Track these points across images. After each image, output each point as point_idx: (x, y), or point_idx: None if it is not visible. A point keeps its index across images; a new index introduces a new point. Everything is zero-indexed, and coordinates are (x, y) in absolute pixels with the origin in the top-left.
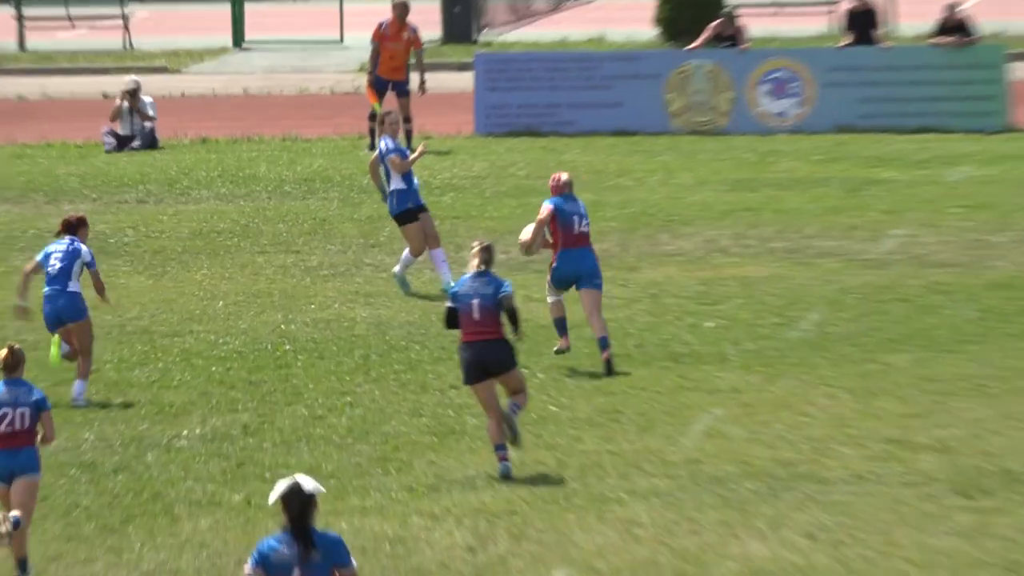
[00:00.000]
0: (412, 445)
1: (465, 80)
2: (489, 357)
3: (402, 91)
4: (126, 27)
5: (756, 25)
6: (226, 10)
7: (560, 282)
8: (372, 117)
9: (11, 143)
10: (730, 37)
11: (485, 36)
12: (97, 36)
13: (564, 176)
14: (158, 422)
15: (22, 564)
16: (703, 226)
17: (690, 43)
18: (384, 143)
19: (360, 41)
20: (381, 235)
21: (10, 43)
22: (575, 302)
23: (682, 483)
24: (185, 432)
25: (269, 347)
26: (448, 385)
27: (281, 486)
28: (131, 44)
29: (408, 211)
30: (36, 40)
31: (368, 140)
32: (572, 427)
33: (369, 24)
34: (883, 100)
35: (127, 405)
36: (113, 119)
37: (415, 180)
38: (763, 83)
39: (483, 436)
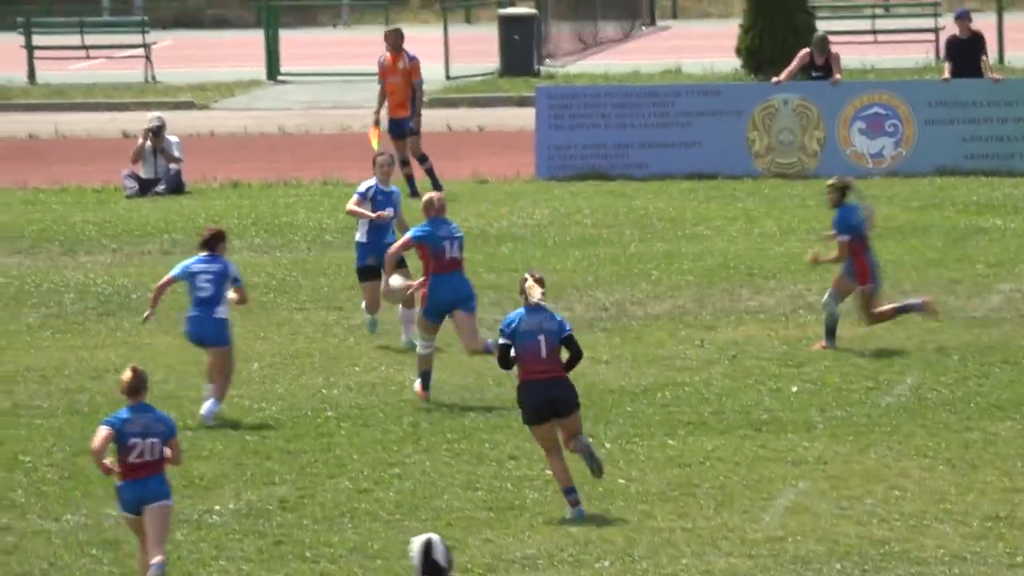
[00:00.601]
0: (467, 521)
1: (525, 117)
2: (558, 396)
3: (406, 131)
4: (148, 58)
5: (849, 54)
6: (259, 38)
7: (435, 310)
8: (403, 163)
9: (22, 187)
10: (820, 68)
11: (548, 67)
12: (115, 68)
13: (436, 196)
14: (188, 496)
15: None
16: (788, 280)
17: (775, 75)
18: (365, 184)
19: None
20: None
21: (19, 75)
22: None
23: (764, 563)
24: (217, 507)
25: (309, 413)
26: (507, 455)
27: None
28: (153, 76)
29: (368, 268)
30: (48, 72)
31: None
32: (643, 501)
33: (425, 54)
34: (990, 139)
35: None
36: (135, 160)
37: (390, 234)
38: (857, 120)
39: (544, 511)
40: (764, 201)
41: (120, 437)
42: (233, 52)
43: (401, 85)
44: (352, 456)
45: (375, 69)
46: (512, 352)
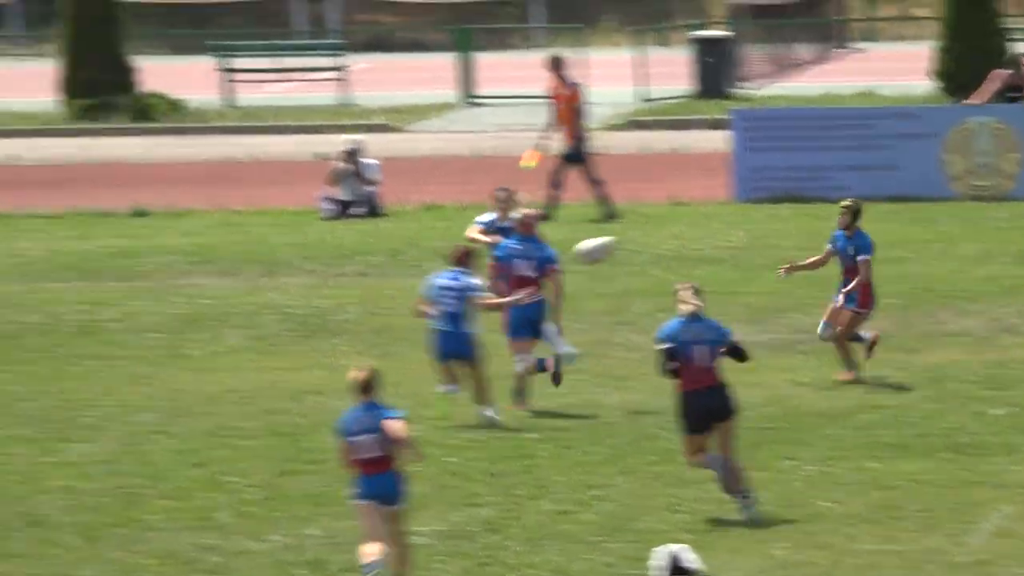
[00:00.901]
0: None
1: (718, 139)
2: (718, 404)
3: (568, 156)
4: (343, 80)
5: None
6: (453, 61)
7: (518, 328)
8: (596, 184)
9: (220, 209)
10: (1018, 88)
11: (741, 89)
12: (311, 91)
13: (526, 214)
14: None
15: None
16: (989, 303)
17: (971, 97)
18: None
19: (605, 96)
20: (631, 312)
21: (215, 99)
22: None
23: None
24: (423, 528)
25: (511, 436)
26: (708, 478)
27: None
28: (348, 99)
29: None
30: (244, 95)
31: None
32: (847, 525)
33: (617, 76)
34: None
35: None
36: (332, 183)
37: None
38: None
39: (749, 534)
40: (963, 224)
41: (345, 434)
42: (427, 75)
43: (564, 110)
44: (554, 478)
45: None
46: (673, 356)
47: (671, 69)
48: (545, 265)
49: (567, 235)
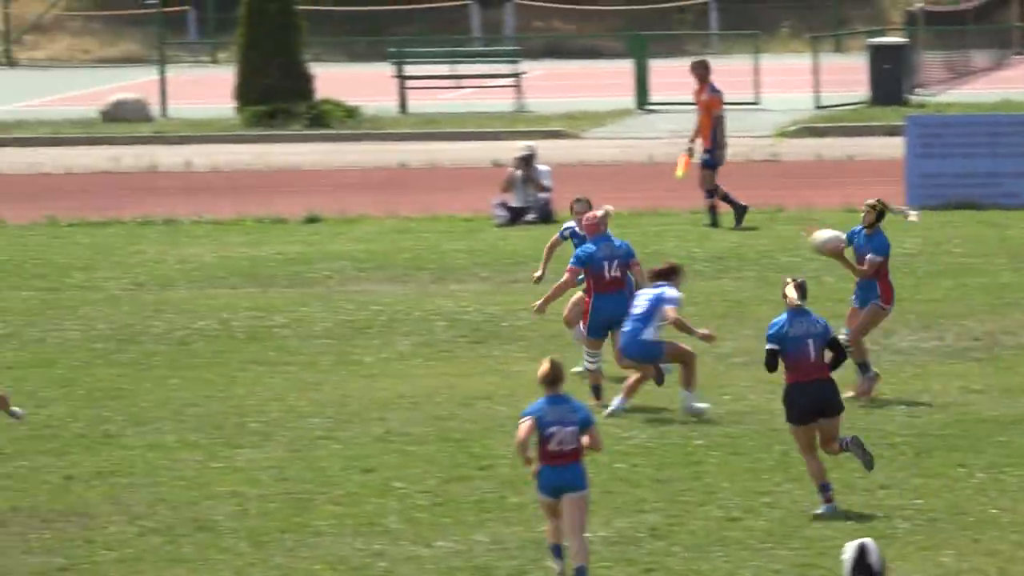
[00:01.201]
0: (838, 550)
1: (895, 146)
2: (826, 397)
3: (703, 162)
4: (518, 87)
5: None
6: (629, 68)
7: (597, 329)
8: (709, 194)
9: (393, 216)
10: None
11: (918, 96)
12: (486, 97)
13: (592, 215)
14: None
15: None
16: None
17: None
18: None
19: (781, 102)
20: None
21: (391, 105)
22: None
23: None
24: (587, 534)
25: (679, 442)
26: (877, 485)
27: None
28: (524, 106)
29: None
30: (419, 102)
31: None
32: (1015, 531)
33: (790, 83)
34: None
35: (523, 505)
36: (505, 190)
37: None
38: None
39: (914, 540)
40: None
41: (540, 426)
42: (602, 81)
43: (703, 116)
44: (722, 484)
45: (746, 98)
46: (777, 356)
47: (847, 76)
48: (628, 259)
49: (739, 239)
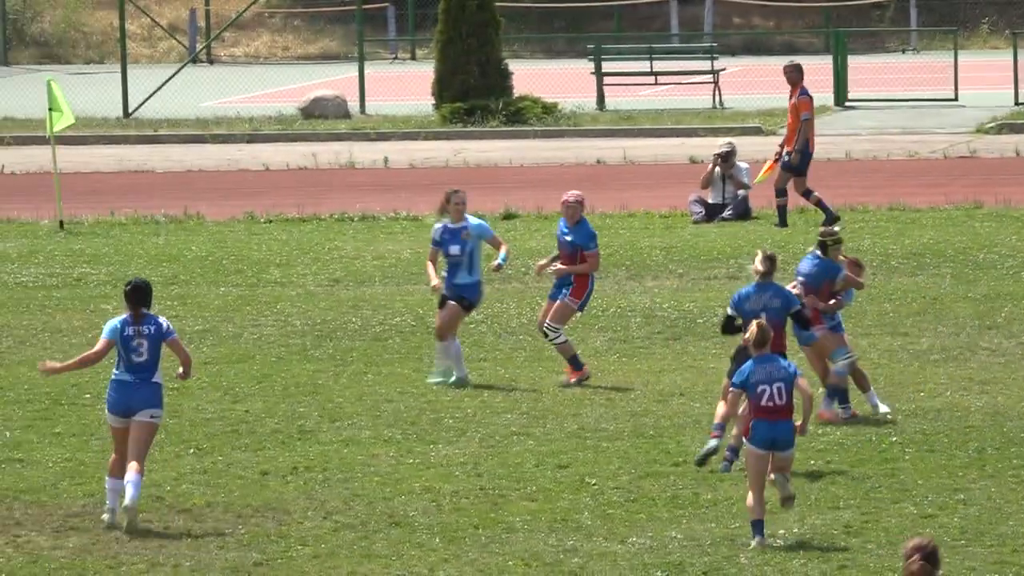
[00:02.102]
0: None
1: None
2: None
3: (782, 164)
4: (716, 84)
5: None
6: (828, 64)
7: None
8: (778, 193)
9: (589, 212)
10: None
11: None
12: (684, 94)
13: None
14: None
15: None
16: None
17: None
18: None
19: (980, 99)
20: (999, 316)
21: (589, 102)
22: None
23: None
24: (782, 531)
25: (873, 439)
26: None
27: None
28: (722, 103)
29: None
30: (617, 99)
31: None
32: None
33: (990, 80)
34: None
35: (716, 501)
36: (703, 186)
37: (462, 272)
38: None
39: None
40: None
41: (747, 387)
42: None
43: (792, 119)
44: (917, 481)
45: (945, 95)
46: (734, 322)
47: None
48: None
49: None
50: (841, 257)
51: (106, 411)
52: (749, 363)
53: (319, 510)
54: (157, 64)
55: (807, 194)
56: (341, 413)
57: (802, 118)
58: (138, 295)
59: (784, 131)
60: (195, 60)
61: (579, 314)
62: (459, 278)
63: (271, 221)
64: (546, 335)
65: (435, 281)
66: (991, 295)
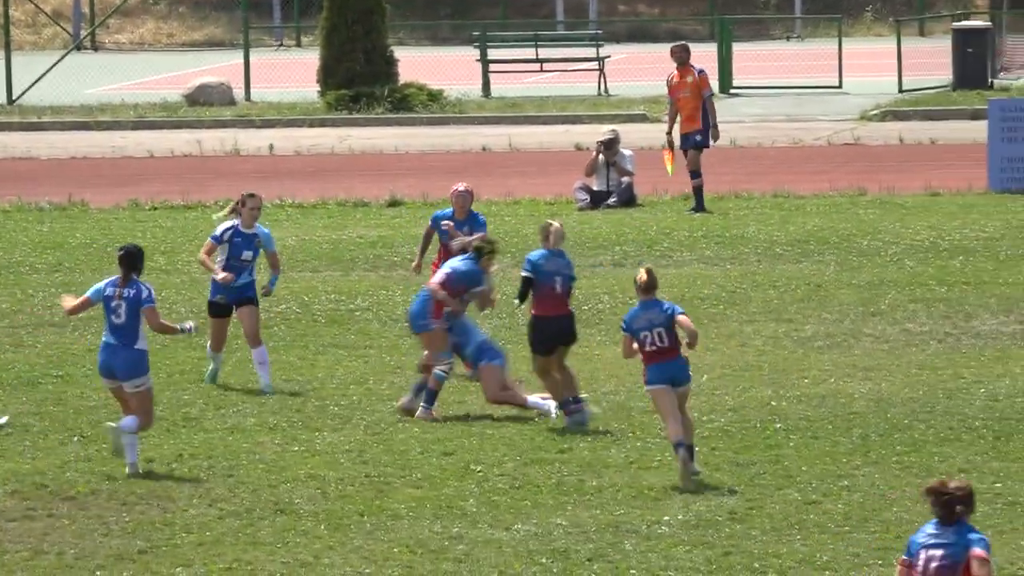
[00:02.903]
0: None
1: (978, 130)
2: (566, 328)
3: (694, 144)
4: (601, 71)
5: None
6: (712, 52)
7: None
8: (693, 175)
9: (475, 200)
10: None
11: (1002, 80)
12: (569, 81)
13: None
14: (636, 506)
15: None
16: None
17: None
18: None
19: (861, 86)
20: (883, 303)
21: (475, 89)
22: None
23: None
24: (666, 518)
25: (758, 425)
26: (956, 468)
27: None
28: (607, 90)
29: (217, 304)
30: (502, 86)
31: (693, 203)
32: None
33: (874, 67)
34: None
35: (602, 488)
36: (588, 174)
37: (246, 275)
38: None
39: (995, 524)
40: None
41: (633, 333)
42: None
43: (691, 99)
44: (801, 468)
45: (829, 82)
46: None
47: (931, 60)
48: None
49: None
50: (491, 269)
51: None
52: (635, 308)
53: (204, 498)
54: (41, 51)
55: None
56: (226, 401)
57: (706, 95)
58: (128, 260)
59: (667, 116)
60: (80, 47)
61: None
62: (242, 279)
63: (156, 208)
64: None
65: (224, 275)
66: (875, 282)
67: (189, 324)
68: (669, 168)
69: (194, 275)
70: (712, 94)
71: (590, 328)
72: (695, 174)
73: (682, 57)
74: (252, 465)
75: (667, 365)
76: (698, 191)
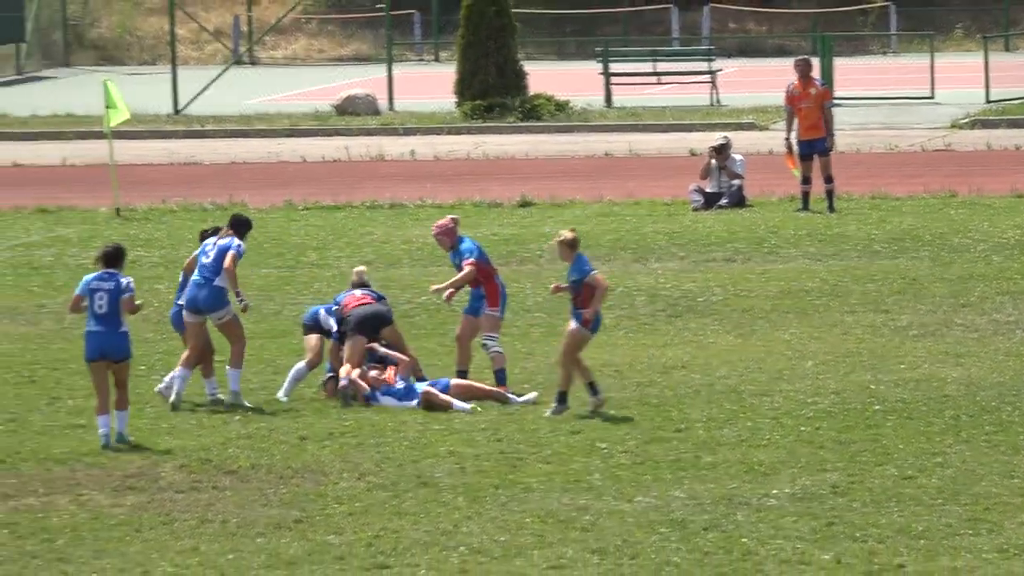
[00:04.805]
0: (1003, 507)
1: None
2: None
3: (821, 150)
4: (713, 83)
5: None
6: (815, 65)
7: None
8: (805, 180)
9: (598, 200)
10: None
11: None
12: (684, 92)
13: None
14: (748, 481)
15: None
16: None
17: None
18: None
19: (952, 97)
20: (972, 295)
21: (598, 100)
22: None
23: None
24: (775, 491)
25: (858, 407)
26: None
27: None
28: (719, 100)
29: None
30: (622, 97)
31: (800, 203)
32: None
33: (963, 79)
34: None
35: (716, 464)
36: (702, 177)
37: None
38: None
39: None
40: None
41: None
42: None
43: (814, 109)
44: (897, 446)
45: (922, 93)
46: None
47: (1016, 73)
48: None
49: None
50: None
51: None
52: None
53: (353, 472)
54: (204, 65)
55: (815, 180)
56: None
57: (827, 105)
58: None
59: (782, 123)
60: (239, 62)
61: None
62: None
63: (308, 208)
64: (485, 346)
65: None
66: (965, 276)
67: (248, 301)
68: (796, 172)
69: (342, 269)
70: (833, 104)
71: (704, 318)
72: (829, 179)
73: (804, 70)
74: (397, 442)
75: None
76: (830, 194)
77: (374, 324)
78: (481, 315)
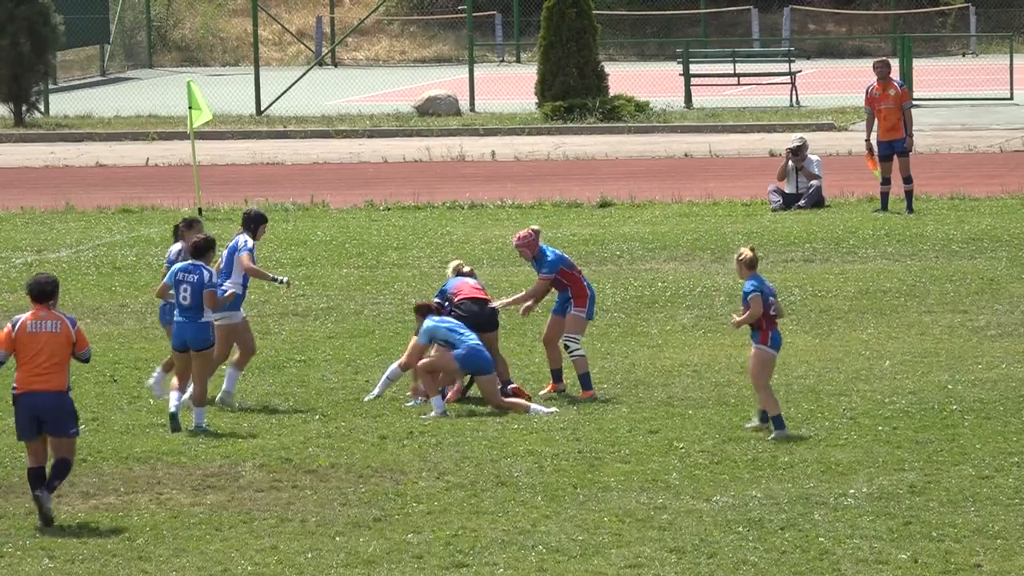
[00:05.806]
0: None
1: None
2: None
3: (901, 151)
4: (793, 84)
5: None
6: (895, 66)
7: None
8: (884, 181)
9: (677, 201)
10: None
11: None
12: (763, 93)
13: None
14: (824, 480)
15: None
16: None
17: None
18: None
19: None
20: None
21: (678, 100)
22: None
23: None
24: (852, 490)
25: (935, 407)
26: None
27: None
28: (798, 101)
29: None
30: (702, 98)
31: (879, 203)
32: None
33: None
34: None
35: (793, 463)
36: (780, 178)
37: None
38: None
39: None
40: None
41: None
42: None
43: (893, 110)
44: (975, 445)
45: (1002, 94)
46: None
47: None
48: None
49: None
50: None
51: None
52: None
53: (432, 471)
54: (286, 66)
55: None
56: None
57: (906, 106)
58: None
59: (861, 123)
60: (321, 63)
61: (589, 321)
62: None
63: (389, 208)
64: (566, 347)
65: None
66: None
67: (284, 278)
68: (876, 173)
69: (423, 269)
70: (912, 105)
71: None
72: (908, 179)
73: (883, 71)
74: (476, 441)
75: (777, 333)
76: (909, 194)
77: (491, 321)
78: (567, 315)
